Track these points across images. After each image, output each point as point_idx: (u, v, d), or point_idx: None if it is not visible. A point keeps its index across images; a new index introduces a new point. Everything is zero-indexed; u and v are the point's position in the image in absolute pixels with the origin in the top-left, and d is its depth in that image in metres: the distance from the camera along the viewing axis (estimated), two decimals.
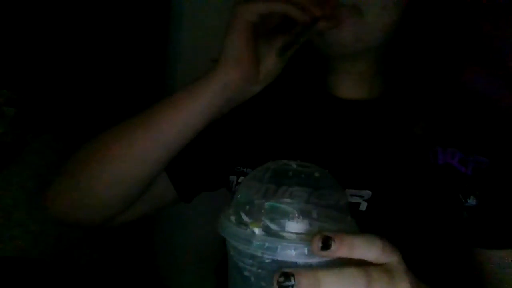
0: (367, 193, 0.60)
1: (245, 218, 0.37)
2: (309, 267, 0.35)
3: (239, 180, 0.68)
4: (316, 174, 0.40)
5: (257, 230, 0.35)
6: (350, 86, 0.68)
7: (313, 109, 0.69)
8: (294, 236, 0.35)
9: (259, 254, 0.35)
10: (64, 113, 1.09)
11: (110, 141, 0.64)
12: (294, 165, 0.40)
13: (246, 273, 0.36)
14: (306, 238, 0.35)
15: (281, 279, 0.33)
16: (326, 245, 0.34)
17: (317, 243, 0.34)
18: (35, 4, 1.03)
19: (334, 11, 0.57)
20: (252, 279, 0.36)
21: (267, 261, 0.35)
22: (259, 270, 0.35)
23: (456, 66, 0.71)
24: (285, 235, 0.35)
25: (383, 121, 0.65)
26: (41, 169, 1.04)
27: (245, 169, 0.68)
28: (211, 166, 0.71)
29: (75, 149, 0.68)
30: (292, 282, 0.33)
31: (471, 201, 0.60)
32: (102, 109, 1.08)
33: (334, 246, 0.35)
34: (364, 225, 0.58)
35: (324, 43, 0.62)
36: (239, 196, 0.39)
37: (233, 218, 0.37)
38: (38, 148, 1.07)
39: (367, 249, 0.36)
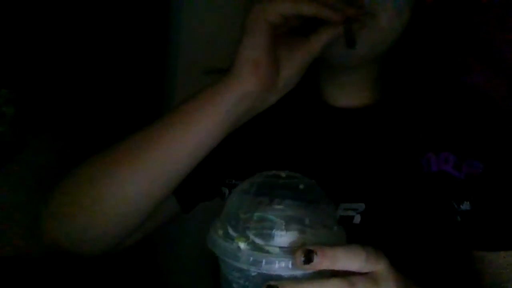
0: (361, 206, 0.60)
1: (231, 232, 0.38)
2: (294, 279, 0.37)
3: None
4: (303, 186, 0.41)
5: (242, 245, 0.37)
6: (346, 95, 0.67)
7: (306, 120, 0.68)
8: (278, 250, 0.37)
9: (245, 267, 0.37)
10: (63, 112, 1.11)
11: (113, 163, 0.58)
12: (282, 174, 0.42)
13: (234, 285, 0.39)
14: (290, 251, 0.37)
15: None
16: (308, 259, 0.36)
17: (300, 257, 0.36)
18: (35, 4, 1.05)
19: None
20: None
21: (253, 274, 0.37)
22: (246, 283, 0.38)
23: (455, 67, 0.72)
24: (269, 249, 0.37)
25: (377, 130, 0.65)
26: (41, 168, 1.07)
27: (237, 182, 0.66)
28: (206, 177, 0.69)
29: (67, 170, 0.61)
30: None
31: (465, 206, 0.60)
32: (102, 109, 1.10)
33: (316, 260, 0.36)
34: (358, 237, 0.60)
35: (335, 54, 0.58)
36: (226, 209, 0.41)
37: (220, 232, 0.39)
38: (37, 148, 1.09)
39: (349, 260, 0.38)
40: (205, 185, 0.70)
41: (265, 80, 0.54)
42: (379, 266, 0.40)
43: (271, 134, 0.68)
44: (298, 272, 0.37)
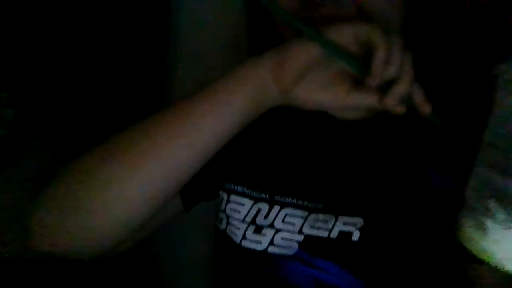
0: (360, 221, 0.62)
1: None
2: None
3: (230, 199, 0.69)
4: None
5: None
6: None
7: (306, 130, 0.69)
8: None
9: None
10: (63, 114, 1.13)
11: (113, 163, 0.56)
12: None
13: None
14: None
15: None
16: None
17: None
18: (34, 5, 1.08)
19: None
20: None
21: None
22: None
23: (461, 73, 0.71)
24: None
25: (377, 143, 0.66)
26: (41, 170, 1.09)
27: (236, 187, 0.69)
28: (208, 178, 0.71)
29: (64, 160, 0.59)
30: None
31: None
32: (102, 111, 1.12)
33: None
34: (357, 256, 0.61)
35: None
36: None
37: None
38: (37, 150, 1.12)
39: None
40: (207, 186, 0.73)
41: (285, 80, 0.56)
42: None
43: (271, 142, 0.71)
44: None
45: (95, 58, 1.12)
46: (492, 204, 0.42)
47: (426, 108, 0.54)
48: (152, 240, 1.16)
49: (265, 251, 0.65)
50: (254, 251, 0.65)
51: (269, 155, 0.70)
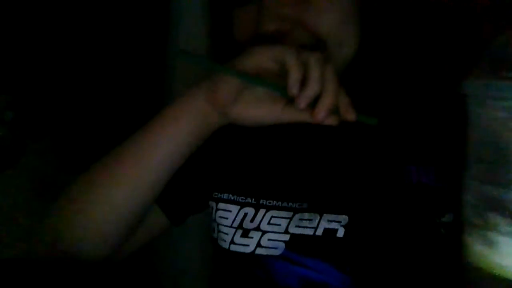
0: (344, 218, 0.63)
1: None
2: None
3: (218, 207, 0.71)
4: None
5: None
6: None
7: (289, 132, 0.71)
8: None
9: None
10: (63, 116, 1.14)
11: (97, 179, 0.65)
12: None
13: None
14: None
15: None
16: None
17: None
18: (34, 7, 1.09)
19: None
20: None
21: None
22: None
23: (434, 77, 0.72)
24: None
25: (358, 141, 0.68)
26: (40, 172, 1.10)
27: (222, 195, 0.71)
28: (194, 190, 0.74)
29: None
30: None
31: (447, 218, 0.62)
32: (102, 111, 1.13)
33: None
34: (342, 252, 0.63)
35: None
36: None
37: None
38: (37, 152, 1.12)
39: None
40: (194, 198, 0.75)
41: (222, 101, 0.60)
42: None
43: (253, 148, 0.72)
44: None
45: (95, 59, 1.12)
46: (493, 217, 0.41)
47: (350, 116, 0.56)
48: (153, 245, 1.17)
49: (253, 253, 0.66)
50: (243, 254, 0.67)
51: (251, 161, 0.71)
